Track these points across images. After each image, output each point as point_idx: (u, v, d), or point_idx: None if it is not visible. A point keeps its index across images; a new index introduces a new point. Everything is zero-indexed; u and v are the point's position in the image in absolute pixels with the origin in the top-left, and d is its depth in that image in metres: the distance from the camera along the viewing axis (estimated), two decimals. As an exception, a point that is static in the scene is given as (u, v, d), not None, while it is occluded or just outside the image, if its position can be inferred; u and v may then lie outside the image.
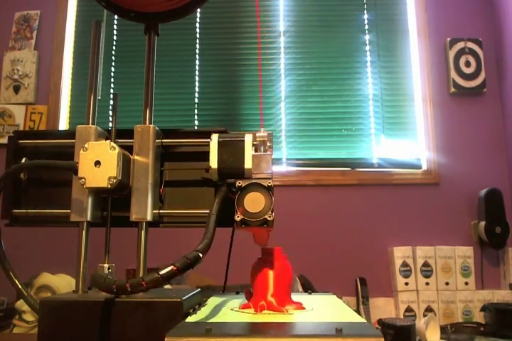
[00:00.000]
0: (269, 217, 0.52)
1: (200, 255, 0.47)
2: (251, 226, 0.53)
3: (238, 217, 0.52)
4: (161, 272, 0.44)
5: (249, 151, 0.57)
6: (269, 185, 0.53)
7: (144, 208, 0.60)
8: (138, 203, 0.60)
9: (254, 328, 0.44)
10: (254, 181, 0.53)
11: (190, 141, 0.66)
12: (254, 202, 0.52)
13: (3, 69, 2.25)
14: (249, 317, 0.50)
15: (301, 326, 0.45)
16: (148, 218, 0.60)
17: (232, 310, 0.55)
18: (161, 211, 0.64)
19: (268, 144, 0.58)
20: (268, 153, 0.56)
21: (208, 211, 0.64)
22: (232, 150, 0.57)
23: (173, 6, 0.64)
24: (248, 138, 0.57)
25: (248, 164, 0.56)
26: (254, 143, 0.58)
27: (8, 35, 2.30)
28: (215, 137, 0.58)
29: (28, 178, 0.67)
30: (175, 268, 0.45)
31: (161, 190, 0.65)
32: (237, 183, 0.53)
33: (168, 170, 0.66)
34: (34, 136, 0.68)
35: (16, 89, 2.22)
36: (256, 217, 0.52)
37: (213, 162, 0.57)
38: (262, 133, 0.57)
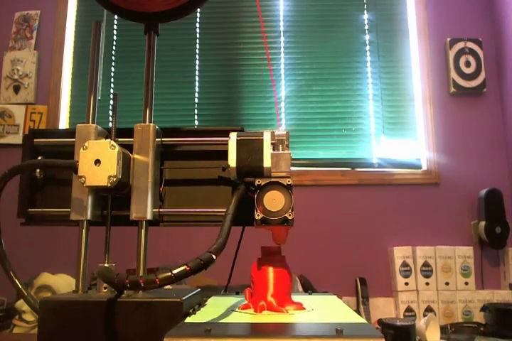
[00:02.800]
0: (290, 215, 0.52)
1: (214, 257, 0.47)
2: (271, 225, 0.53)
3: (258, 216, 0.52)
4: (175, 271, 0.45)
5: (268, 150, 0.56)
6: (289, 183, 0.53)
7: (144, 207, 0.60)
8: (138, 202, 0.60)
9: (254, 329, 0.44)
10: (273, 180, 0.53)
11: (190, 140, 0.66)
12: (274, 201, 0.52)
13: (3, 69, 2.25)
14: (249, 317, 0.50)
15: (301, 327, 0.45)
16: (149, 217, 0.60)
17: (231, 311, 0.55)
18: (161, 210, 0.64)
19: (286, 143, 0.58)
20: (287, 151, 0.56)
21: (208, 209, 0.64)
22: (250, 148, 0.56)
23: (173, 6, 0.64)
24: (267, 137, 0.57)
25: (267, 163, 0.55)
26: (272, 141, 0.57)
27: (8, 35, 2.30)
28: (233, 136, 0.57)
29: (44, 177, 0.67)
30: (188, 269, 0.45)
31: (161, 189, 0.65)
32: (257, 182, 0.53)
33: (168, 168, 0.66)
34: (49, 134, 0.68)
35: (16, 89, 2.22)
36: (276, 215, 0.52)
37: (232, 161, 0.56)
38: (280, 132, 0.57)
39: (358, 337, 0.39)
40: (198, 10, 2.17)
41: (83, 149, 0.57)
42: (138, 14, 0.66)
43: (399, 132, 2.16)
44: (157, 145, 0.63)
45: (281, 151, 0.56)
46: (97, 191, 0.61)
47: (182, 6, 0.65)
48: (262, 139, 0.57)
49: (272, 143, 0.57)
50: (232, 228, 0.52)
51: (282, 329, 0.44)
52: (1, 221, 0.61)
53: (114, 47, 2.28)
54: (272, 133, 0.58)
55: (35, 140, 0.67)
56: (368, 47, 2.22)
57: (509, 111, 2.09)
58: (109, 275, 0.45)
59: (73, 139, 0.62)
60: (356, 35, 2.24)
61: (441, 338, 1.52)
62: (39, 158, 0.67)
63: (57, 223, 0.66)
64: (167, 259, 1.67)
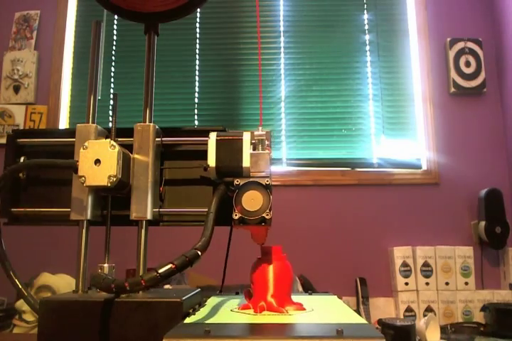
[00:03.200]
0: (267, 215, 0.52)
1: (199, 253, 0.47)
2: (249, 225, 0.53)
3: (236, 216, 0.52)
4: (160, 270, 0.44)
5: (247, 150, 0.56)
6: (267, 183, 0.53)
7: (144, 207, 0.60)
8: (138, 202, 0.60)
9: (254, 329, 0.44)
10: (252, 179, 0.53)
11: (190, 140, 0.66)
12: (252, 201, 0.52)
13: (3, 69, 2.25)
14: (248, 318, 0.50)
15: (301, 327, 0.45)
16: (148, 217, 0.60)
17: (231, 311, 0.55)
18: (161, 209, 0.64)
19: (266, 143, 0.58)
20: (266, 151, 0.56)
21: (207, 209, 0.64)
22: (230, 148, 0.57)
23: (173, 6, 0.64)
24: (246, 137, 0.57)
25: (246, 162, 0.56)
26: (253, 141, 0.57)
27: (8, 35, 2.30)
28: (213, 135, 0.58)
29: (27, 177, 0.67)
30: (173, 266, 0.45)
31: (161, 189, 0.65)
32: (235, 181, 0.53)
33: (168, 168, 0.66)
34: (33, 134, 0.68)
35: (16, 89, 2.22)
36: (254, 215, 0.52)
37: (211, 160, 0.57)
38: (260, 132, 0.57)
39: (359, 338, 0.39)
40: (198, 10, 2.17)
41: (83, 149, 0.57)
42: (138, 14, 0.65)
43: (399, 132, 2.16)
44: (157, 145, 0.63)
45: (260, 151, 0.56)
46: (97, 191, 0.60)
47: (182, 6, 0.65)
48: (242, 139, 0.57)
49: (252, 143, 0.57)
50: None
51: (282, 329, 0.44)
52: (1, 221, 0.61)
53: (114, 47, 2.28)
54: (252, 133, 0.58)
55: (18, 140, 0.67)
56: (368, 47, 2.22)
57: (509, 111, 2.09)
58: (97, 280, 0.45)
59: (56, 139, 0.64)
60: (356, 35, 2.24)
61: (441, 338, 1.52)
62: (22, 158, 0.66)
63: (40, 223, 0.67)
64: (167, 259, 1.66)
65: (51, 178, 0.66)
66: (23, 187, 0.67)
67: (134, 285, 0.44)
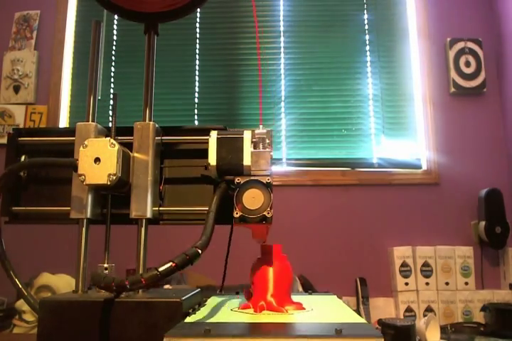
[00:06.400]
0: (268, 213, 0.52)
1: (199, 251, 0.47)
2: (250, 223, 0.53)
3: (237, 214, 0.52)
4: (160, 269, 0.44)
5: (248, 148, 0.57)
6: (268, 181, 0.53)
7: (144, 205, 0.60)
8: (138, 200, 0.60)
9: (254, 329, 0.44)
10: (253, 178, 0.53)
11: (190, 139, 0.66)
12: (253, 199, 0.52)
13: (3, 69, 2.25)
14: (248, 317, 0.50)
15: (300, 326, 0.45)
16: (148, 215, 0.60)
17: (231, 310, 0.55)
18: (160, 208, 0.64)
19: (267, 141, 0.58)
20: (267, 150, 0.56)
21: (207, 208, 0.64)
22: (231, 147, 0.57)
23: (173, 6, 0.64)
24: (247, 135, 0.57)
25: (247, 161, 0.56)
26: (253, 140, 0.58)
27: (8, 35, 2.30)
28: (213, 134, 0.58)
29: (28, 176, 0.67)
30: (173, 265, 0.45)
31: (161, 187, 0.65)
32: (236, 180, 0.54)
33: (168, 167, 0.66)
34: (34, 133, 0.68)
35: (16, 89, 2.22)
36: (255, 213, 0.52)
37: (212, 159, 0.57)
38: (260, 130, 0.57)
39: (358, 337, 0.39)
40: (198, 10, 2.17)
41: (83, 147, 0.56)
42: (138, 14, 0.65)
43: (399, 132, 2.16)
44: (157, 144, 0.63)
45: (261, 149, 0.56)
46: (97, 189, 0.60)
47: (182, 6, 0.65)
48: (243, 137, 0.57)
49: (252, 142, 0.57)
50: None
51: (282, 329, 0.44)
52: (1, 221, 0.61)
53: (114, 47, 2.28)
54: (253, 132, 0.58)
55: (19, 139, 0.67)
56: (367, 47, 2.22)
57: (509, 111, 2.09)
58: (97, 279, 0.45)
59: (57, 138, 0.63)
60: (356, 35, 2.24)
61: (441, 338, 1.52)
62: (23, 157, 0.67)
63: (41, 221, 0.66)
64: (167, 258, 1.66)
65: (52, 177, 0.66)
66: (24, 186, 0.67)
67: (134, 283, 0.44)
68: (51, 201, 0.64)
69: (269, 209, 0.52)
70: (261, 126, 0.58)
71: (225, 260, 0.68)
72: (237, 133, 0.58)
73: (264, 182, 0.53)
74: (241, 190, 0.53)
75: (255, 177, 0.54)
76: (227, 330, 0.43)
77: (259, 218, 0.52)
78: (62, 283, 1.57)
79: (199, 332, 0.40)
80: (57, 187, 0.66)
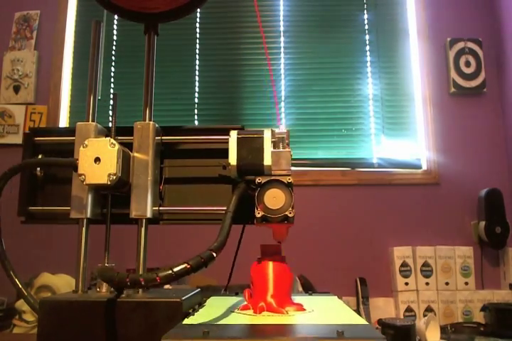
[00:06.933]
0: (290, 213, 0.52)
1: (214, 254, 0.47)
2: (272, 223, 0.53)
3: (259, 214, 0.52)
4: (175, 269, 0.44)
5: (268, 148, 0.56)
6: (289, 181, 0.53)
7: (144, 205, 0.60)
8: (138, 200, 0.60)
9: (253, 331, 0.44)
10: (274, 178, 0.53)
11: (190, 138, 0.66)
12: (274, 199, 0.53)
13: (3, 69, 2.25)
14: (248, 318, 0.50)
15: (301, 328, 0.45)
16: (148, 215, 0.60)
17: (231, 312, 0.55)
18: (160, 208, 0.64)
19: (286, 141, 0.58)
20: (287, 149, 0.56)
21: (207, 208, 0.64)
22: (251, 147, 0.57)
23: (173, 6, 0.64)
24: (267, 135, 0.57)
25: (268, 161, 0.56)
26: (273, 140, 0.57)
27: (8, 35, 2.29)
28: (233, 134, 0.57)
29: (45, 175, 0.67)
30: (188, 266, 0.45)
31: (161, 187, 0.65)
32: (257, 180, 0.53)
33: (168, 167, 0.66)
34: (50, 133, 0.68)
35: (16, 89, 2.22)
36: (276, 213, 0.52)
37: (232, 159, 0.56)
38: (280, 130, 0.58)
39: (360, 339, 0.39)
40: (198, 10, 2.17)
41: (83, 147, 0.56)
42: (138, 14, 0.66)
43: (399, 132, 2.16)
44: (157, 144, 0.63)
45: (281, 149, 0.56)
46: (97, 189, 0.60)
47: (182, 6, 0.65)
48: (263, 137, 0.57)
49: (272, 141, 0.57)
50: (232, 226, 0.52)
51: (282, 330, 0.44)
52: (1, 221, 0.61)
53: (114, 47, 2.28)
54: (273, 132, 0.58)
55: (36, 138, 0.67)
56: (368, 47, 2.22)
57: (509, 111, 2.09)
58: (109, 274, 0.45)
59: (73, 137, 0.62)
60: (356, 35, 2.24)
61: (441, 338, 1.52)
62: (39, 156, 0.66)
63: (57, 221, 0.66)
64: (167, 259, 1.67)
65: (68, 177, 0.65)
66: (40, 186, 0.67)
67: (149, 280, 0.44)
68: (67, 201, 0.64)
69: (290, 209, 0.52)
70: (281, 126, 0.58)
71: (233, 260, 0.68)
72: (257, 133, 0.58)
73: (286, 182, 0.53)
74: (262, 189, 0.53)
75: (276, 177, 0.54)
76: (226, 332, 0.42)
77: (280, 218, 0.52)
78: (62, 283, 1.57)
79: (197, 334, 0.40)
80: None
